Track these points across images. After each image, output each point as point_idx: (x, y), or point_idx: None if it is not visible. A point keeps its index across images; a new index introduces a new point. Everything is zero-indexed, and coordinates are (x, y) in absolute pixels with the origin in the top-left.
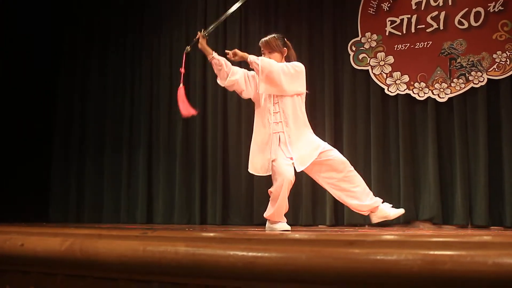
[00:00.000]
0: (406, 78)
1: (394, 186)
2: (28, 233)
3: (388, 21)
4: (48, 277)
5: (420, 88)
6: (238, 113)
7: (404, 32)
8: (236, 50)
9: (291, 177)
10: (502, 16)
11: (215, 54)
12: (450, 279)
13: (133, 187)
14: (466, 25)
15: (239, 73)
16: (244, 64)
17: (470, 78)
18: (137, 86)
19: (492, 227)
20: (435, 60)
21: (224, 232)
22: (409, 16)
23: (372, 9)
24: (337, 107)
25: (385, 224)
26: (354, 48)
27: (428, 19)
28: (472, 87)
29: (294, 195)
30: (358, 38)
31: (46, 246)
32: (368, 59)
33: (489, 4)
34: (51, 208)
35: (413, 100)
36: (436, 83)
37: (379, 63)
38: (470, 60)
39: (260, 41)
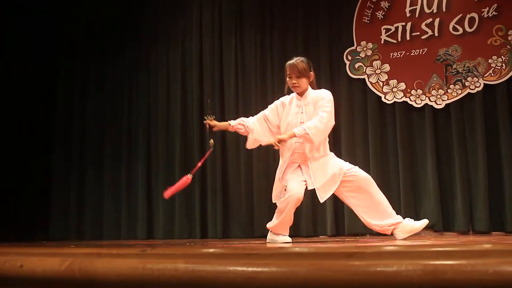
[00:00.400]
0: (402, 85)
1: (394, 194)
2: (27, 254)
3: (383, 29)
4: None
5: (417, 95)
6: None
7: (399, 39)
8: (280, 138)
9: (299, 195)
10: (496, 21)
11: (231, 122)
12: None
13: (133, 202)
14: (461, 31)
15: (255, 126)
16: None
17: (467, 83)
18: (134, 98)
19: (493, 233)
20: (431, 67)
21: (223, 247)
22: (403, 23)
23: (366, 18)
24: (334, 117)
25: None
26: (350, 57)
27: (423, 26)
28: (468, 92)
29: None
30: (354, 47)
31: (45, 266)
32: (364, 67)
33: (483, 10)
34: (52, 225)
35: (410, 108)
36: (432, 89)
37: (375, 71)
38: (466, 65)
39: (287, 64)
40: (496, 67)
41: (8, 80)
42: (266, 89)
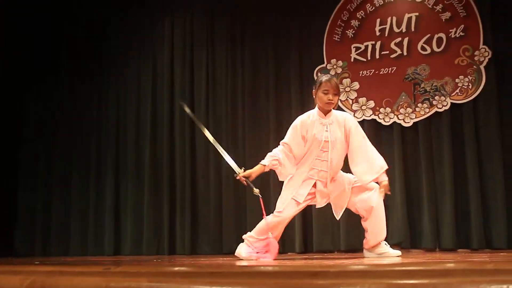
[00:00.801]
0: (371, 103)
1: None
2: None
3: (353, 47)
4: None
5: (386, 113)
6: (206, 141)
7: (369, 58)
8: (385, 185)
9: (288, 219)
10: (463, 41)
11: (264, 163)
12: None
13: (100, 218)
14: (429, 50)
15: (285, 161)
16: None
17: (434, 102)
18: (103, 112)
19: (459, 250)
20: (399, 85)
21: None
22: (373, 42)
23: (337, 36)
24: None
25: (355, 250)
26: (320, 75)
27: (392, 45)
28: (436, 111)
29: None
30: (324, 65)
31: (6, 285)
32: None
33: (450, 30)
34: (17, 241)
35: (379, 125)
36: (401, 108)
37: (345, 89)
38: (434, 85)
39: (325, 80)
40: (463, 86)
41: None
42: (237, 103)
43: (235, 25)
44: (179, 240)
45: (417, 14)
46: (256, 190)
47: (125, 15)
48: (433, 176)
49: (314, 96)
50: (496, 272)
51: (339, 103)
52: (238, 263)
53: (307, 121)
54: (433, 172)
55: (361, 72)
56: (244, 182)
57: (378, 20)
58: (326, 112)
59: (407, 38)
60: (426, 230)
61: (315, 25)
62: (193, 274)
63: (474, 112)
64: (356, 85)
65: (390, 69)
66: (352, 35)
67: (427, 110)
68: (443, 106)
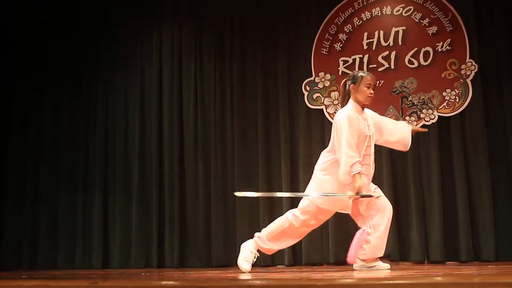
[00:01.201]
0: None
1: (351, 224)
2: None
3: (341, 61)
4: None
5: None
6: (195, 155)
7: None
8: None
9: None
10: (450, 55)
11: (360, 171)
12: None
13: (89, 230)
14: (416, 64)
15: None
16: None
17: (422, 115)
18: (91, 125)
19: (448, 262)
20: (387, 98)
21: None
22: (361, 56)
23: (325, 50)
24: (292, 146)
25: (344, 262)
26: (308, 88)
27: (380, 59)
28: (423, 124)
29: (252, 234)
30: (312, 78)
31: None
32: (322, 98)
33: (437, 44)
34: (3, 253)
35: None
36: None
37: (333, 102)
38: (421, 98)
39: (367, 74)
40: (450, 99)
41: None
42: (225, 116)
43: (223, 38)
44: (167, 253)
45: (404, 28)
46: (374, 194)
47: (113, 28)
48: (421, 188)
49: (352, 91)
50: (484, 286)
51: (327, 116)
52: (226, 276)
53: (355, 116)
54: (421, 184)
55: None
56: (361, 197)
57: (365, 34)
58: (363, 107)
59: (395, 51)
60: (415, 242)
61: (303, 39)
62: None
63: (461, 125)
64: None
65: (377, 82)
66: (340, 49)
67: (414, 123)
68: (430, 119)
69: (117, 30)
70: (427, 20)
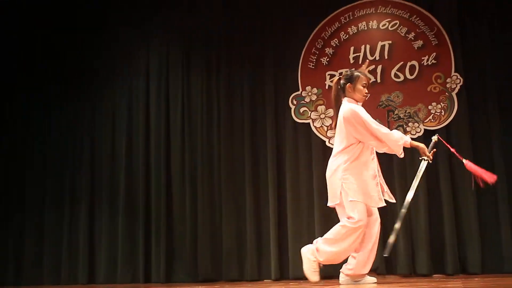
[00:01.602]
0: None
1: None
2: None
3: (328, 75)
4: None
5: None
6: (182, 170)
7: None
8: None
9: None
10: (435, 69)
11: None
12: None
13: (74, 245)
14: (402, 78)
15: None
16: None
17: (408, 129)
18: (78, 139)
19: (434, 275)
20: (373, 112)
21: None
22: (347, 69)
23: (311, 64)
24: (279, 160)
25: (330, 276)
26: (295, 102)
27: (366, 73)
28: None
29: (239, 249)
30: (299, 92)
31: None
32: (309, 112)
33: (422, 58)
34: None
35: None
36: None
37: (319, 116)
38: (407, 111)
39: (363, 73)
40: (436, 113)
41: None
42: (212, 131)
43: (211, 55)
44: (154, 268)
45: (390, 42)
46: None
47: (101, 46)
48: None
49: (348, 90)
50: None
51: (314, 130)
52: None
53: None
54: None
55: None
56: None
57: (352, 48)
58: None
59: (381, 65)
60: (401, 255)
61: (290, 53)
62: None
63: (447, 138)
64: (331, 112)
65: None
66: (327, 63)
67: None
68: (416, 132)
69: (105, 47)
70: (412, 34)
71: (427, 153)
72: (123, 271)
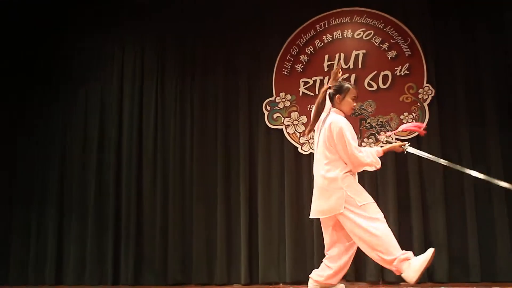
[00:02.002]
0: None
1: (308, 243)
2: None
3: (302, 81)
4: None
5: None
6: (153, 173)
7: (317, 92)
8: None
9: None
10: (408, 79)
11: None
12: None
13: (42, 246)
14: (375, 87)
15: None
16: None
17: (380, 138)
18: (49, 140)
19: (402, 283)
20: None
21: None
22: (321, 77)
23: (286, 70)
24: (252, 165)
25: (300, 282)
26: (268, 108)
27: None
28: (381, 146)
29: (208, 253)
30: (273, 98)
31: None
32: (282, 118)
33: (396, 68)
34: None
35: None
36: None
37: (292, 122)
38: (379, 120)
39: (354, 87)
40: (407, 122)
41: None
42: (185, 134)
43: (186, 59)
44: (123, 270)
45: (364, 51)
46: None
47: (75, 46)
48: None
49: (336, 101)
50: None
51: (287, 136)
52: None
53: (349, 124)
54: (377, 205)
55: (309, 106)
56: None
57: (326, 56)
58: None
59: (354, 74)
60: (370, 263)
61: (264, 59)
62: None
63: (418, 148)
64: (304, 119)
65: None
66: (301, 70)
67: (372, 145)
68: (388, 142)
69: (79, 48)
70: (386, 44)
71: (399, 144)
72: (91, 272)
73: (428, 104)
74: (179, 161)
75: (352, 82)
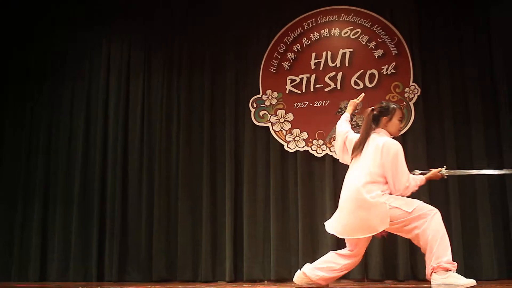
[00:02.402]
0: (305, 135)
1: (293, 241)
2: None
3: (288, 79)
4: None
5: (318, 145)
6: (139, 168)
7: (304, 90)
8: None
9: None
10: (394, 78)
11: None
12: None
13: (26, 241)
14: (362, 85)
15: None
16: None
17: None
18: (34, 136)
19: (386, 281)
20: (332, 118)
21: None
22: (308, 75)
23: (273, 68)
24: (237, 162)
25: (284, 279)
26: (255, 105)
27: (326, 79)
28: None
29: (194, 250)
30: (259, 95)
31: None
32: (269, 116)
33: (382, 67)
34: None
35: (312, 157)
36: (333, 140)
37: (279, 120)
38: None
39: (402, 111)
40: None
41: None
42: (171, 131)
43: (172, 56)
44: (107, 266)
45: (351, 50)
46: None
47: (62, 42)
48: None
49: (383, 122)
50: None
51: (273, 133)
52: None
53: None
54: None
55: (295, 104)
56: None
57: (313, 54)
58: None
59: (341, 72)
60: None
61: (251, 56)
62: None
63: (403, 147)
64: (290, 117)
65: (323, 102)
66: (288, 67)
67: None
68: None
69: (66, 41)
70: (373, 43)
71: (438, 170)
72: (75, 268)
73: (414, 103)
74: (165, 158)
75: (339, 80)
